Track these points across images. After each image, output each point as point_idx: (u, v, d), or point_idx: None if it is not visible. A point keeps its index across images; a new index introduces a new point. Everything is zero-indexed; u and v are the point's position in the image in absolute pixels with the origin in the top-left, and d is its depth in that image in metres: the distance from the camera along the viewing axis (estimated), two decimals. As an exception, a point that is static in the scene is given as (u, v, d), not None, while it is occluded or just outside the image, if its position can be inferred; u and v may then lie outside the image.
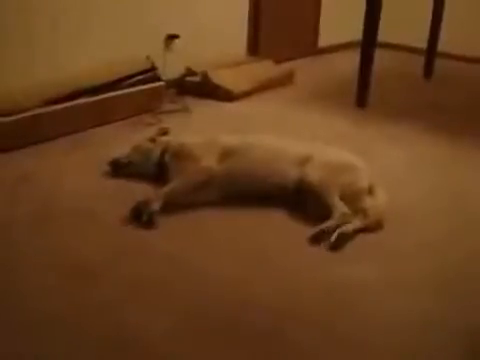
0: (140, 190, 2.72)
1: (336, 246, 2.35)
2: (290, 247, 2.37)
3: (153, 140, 2.93)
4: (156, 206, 2.50)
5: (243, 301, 2.01)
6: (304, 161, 2.65)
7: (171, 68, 4.29)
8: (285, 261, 2.27)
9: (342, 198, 2.52)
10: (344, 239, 2.38)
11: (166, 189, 2.60)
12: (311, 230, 2.42)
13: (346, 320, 1.94)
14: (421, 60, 5.33)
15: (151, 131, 3.12)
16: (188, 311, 1.95)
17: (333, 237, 2.37)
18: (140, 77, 3.90)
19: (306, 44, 5.99)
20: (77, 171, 2.96)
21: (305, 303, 2.02)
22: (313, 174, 2.58)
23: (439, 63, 5.35)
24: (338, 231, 2.38)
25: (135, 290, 2.05)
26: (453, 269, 2.25)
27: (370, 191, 2.63)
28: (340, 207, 2.48)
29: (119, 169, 2.90)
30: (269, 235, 2.46)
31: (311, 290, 2.09)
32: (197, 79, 4.39)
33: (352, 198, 2.55)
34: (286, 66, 5.23)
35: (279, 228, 2.52)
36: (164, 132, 3.04)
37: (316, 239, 2.39)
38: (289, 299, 2.03)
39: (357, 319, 1.95)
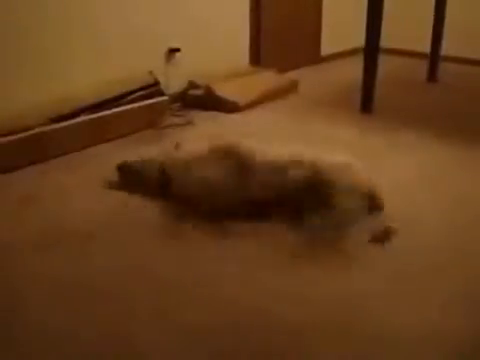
0: (146, 209, 2.70)
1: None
2: (297, 259, 2.32)
3: (165, 152, 2.93)
4: None
5: (256, 315, 1.97)
6: (301, 163, 2.62)
7: (174, 82, 4.29)
8: (294, 274, 2.23)
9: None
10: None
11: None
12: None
13: (361, 332, 1.89)
14: (425, 65, 5.30)
15: (163, 145, 3.09)
16: (199, 326, 1.91)
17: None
18: (143, 92, 3.89)
19: (309, 53, 5.98)
20: (81, 190, 2.94)
21: (320, 316, 1.97)
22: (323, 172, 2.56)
23: (443, 67, 5.32)
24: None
25: (143, 308, 2.02)
26: (464, 282, 2.19)
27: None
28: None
29: (126, 173, 2.90)
30: (276, 249, 2.41)
31: (325, 303, 2.05)
32: (200, 92, 4.38)
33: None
34: (289, 75, 5.22)
35: (284, 241, 2.47)
36: (177, 146, 3.03)
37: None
38: (303, 312, 1.99)
39: (371, 332, 1.90)
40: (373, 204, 2.59)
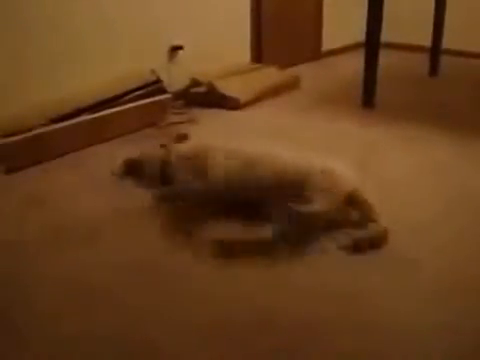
0: (149, 208, 2.72)
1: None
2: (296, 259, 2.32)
3: (164, 146, 2.89)
4: None
5: (255, 317, 1.99)
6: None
7: (176, 79, 4.30)
8: (292, 274, 2.23)
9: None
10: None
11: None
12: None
13: (357, 331, 1.91)
14: (426, 58, 5.30)
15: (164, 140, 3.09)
16: (204, 329, 1.92)
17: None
18: (145, 90, 3.90)
19: (310, 48, 5.99)
20: (85, 190, 2.95)
21: (319, 317, 1.99)
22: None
23: (444, 60, 5.32)
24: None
25: (152, 308, 2.03)
26: (465, 276, 2.20)
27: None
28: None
29: (130, 167, 2.87)
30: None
31: (325, 303, 2.06)
32: (203, 89, 4.39)
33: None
34: (291, 71, 5.23)
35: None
36: (184, 137, 2.98)
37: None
38: (303, 314, 2.00)
39: (370, 330, 1.92)
40: (362, 215, 2.42)
